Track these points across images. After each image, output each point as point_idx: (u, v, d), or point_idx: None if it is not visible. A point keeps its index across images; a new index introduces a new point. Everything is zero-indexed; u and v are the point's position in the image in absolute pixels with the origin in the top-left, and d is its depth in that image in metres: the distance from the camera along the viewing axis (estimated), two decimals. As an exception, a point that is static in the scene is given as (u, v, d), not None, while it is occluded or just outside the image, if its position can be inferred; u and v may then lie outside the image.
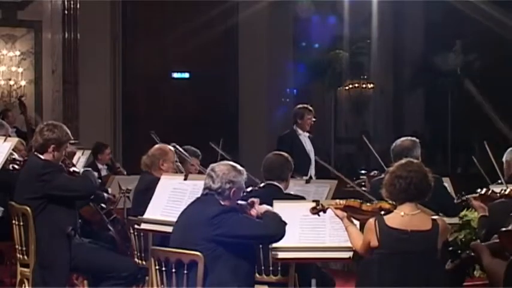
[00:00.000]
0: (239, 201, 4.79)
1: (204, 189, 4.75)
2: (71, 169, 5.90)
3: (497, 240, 4.98)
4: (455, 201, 6.13)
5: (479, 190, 5.88)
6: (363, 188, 7.21)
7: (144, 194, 6.15)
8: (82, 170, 6.09)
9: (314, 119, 9.39)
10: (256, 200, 4.87)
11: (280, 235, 4.75)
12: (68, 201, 5.69)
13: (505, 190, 5.60)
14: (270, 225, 4.72)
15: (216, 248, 4.55)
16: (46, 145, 5.68)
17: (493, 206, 5.51)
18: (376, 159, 7.25)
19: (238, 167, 4.79)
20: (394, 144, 6.21)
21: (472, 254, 5.34)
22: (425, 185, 4.53)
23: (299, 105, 9.63)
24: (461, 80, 15.00)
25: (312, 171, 9.29)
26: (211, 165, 4.82)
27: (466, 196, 5.98)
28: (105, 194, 7.68)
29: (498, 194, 5.62)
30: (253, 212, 4.81)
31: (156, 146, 6.71)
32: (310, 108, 9.44)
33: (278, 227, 4.72)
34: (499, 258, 5.22)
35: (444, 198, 5.98)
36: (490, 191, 5.71)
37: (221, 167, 4.74)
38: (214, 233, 4.54)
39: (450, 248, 4.94)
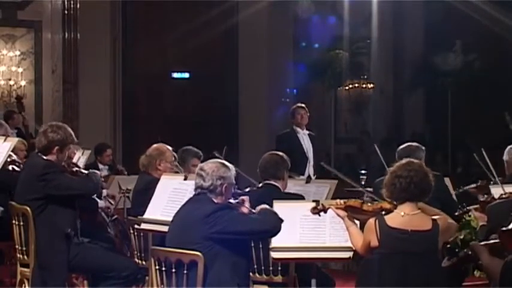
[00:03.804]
0: (230, 201, 4.81)
1: (196, 188, 4.79)
2: (74, 169, 5.91)
3: (497, 241, 4.98)
4: (456, 213, 6.19)
5: (479, 182, 5.93)
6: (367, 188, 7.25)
7: (143, 194, 6.15)
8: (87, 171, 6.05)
9: (308, 114, 9.69)
10: (246, 197, 4.91)
11: (276, 230, 4.78)
12: (69, 201, 5.69)
13: (505, 194, 5.64)
14: (266, 220, 4.76)
15: (213, 246, 4.57)
16: (50, 146, 5.69)
17: (491, 207, 5.52)
18: (376, 159, 7.27)
19: (226, 163, 4.85)
20: (399, 147, 6.38)
21: (470, 252, 5.35)
22: (425, 184, 4.54)
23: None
24: (461, 80, 14.99)
25: (309, 170, 9.35)
26: (200, 165, 4.89)
27: (467, 208, 6.05)
28: (101, 202, 7.56)
29: (498, 200, 5.64)
30: (245, 209, 4.84)
31: (154, 145, 6.69)
32: (301, 105, 9.72)
33: (274, 222, 4.76)
34: (497, 258, 5.23)
35: (446, 196, 6.07)
36: (490, 198, 5.75)
37: (210, 165, 4.80)
38: (210, 231, 4.56)
39: (448, 246, 4.94)
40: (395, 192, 4.53)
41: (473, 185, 6.32)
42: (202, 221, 4.59)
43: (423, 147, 6.34)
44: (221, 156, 7.17)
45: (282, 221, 4.78)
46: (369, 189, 6.91)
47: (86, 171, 5.97)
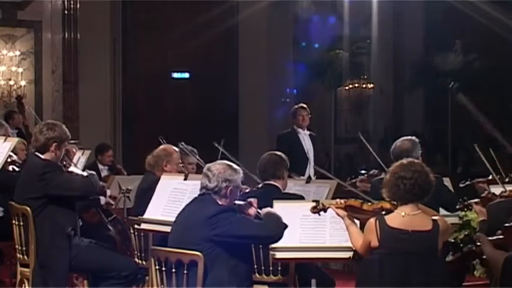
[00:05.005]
0: (237, 202, 4.79)
1: (201, 189, 4.76)
2: (69, 169, 5.89)
3: (501, 237, 4.99)
4: (457, 206, 6.16)
5: (491, 176, 5.94)
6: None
7: (146, 194, 6.15)
8: (85, 172, 6.02)
9: (309, 115, 9.60)
10: (254, 200, 4.88)
11: (278, 237, 4.76)
12: (68, 201, 5.69)
13: (505, 192, 5.64)
14: (269, 226, 4.72)
15: (214, 247, 4.55)
16: (48, 144, 5.68)
17: (491, 206, 5.53)
18: (376, 158, 7.24)
19: (234, 165, 4.81)
20: (393, 145, 6.20)
21: (474, 248, 5.35)
22: (428, 184, 4.53)
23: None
24: (461, 80, 15.00)
25: (310, 170, 9.34)
26: (207, 165, 4.84)
27: (469, 201, 6.01)
28: (103, 198, 7.64)
29: (498, 197, 5.64)
30: (252, 211, 4.82)
31: (162, 146, 6.73)
32: (303, 105, 9.68)
33: (276, 229, 4.73)
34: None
35: (445, 196, 6.02)
36: (490, 194, 5.74)
37: (217, 166, 4.76)
38: (212, 233, 4.55)
39: (452, 241, 4.92)
40: (398, 193, 4.50)
41: (483, 179, 6.26)
42: (204, 222, 4.57)
43: (417, 140, 6.21)
44: (220, 146, 7.16)
45: (285, 226, 4.75)
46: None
47: (84, 173, 5.93)
